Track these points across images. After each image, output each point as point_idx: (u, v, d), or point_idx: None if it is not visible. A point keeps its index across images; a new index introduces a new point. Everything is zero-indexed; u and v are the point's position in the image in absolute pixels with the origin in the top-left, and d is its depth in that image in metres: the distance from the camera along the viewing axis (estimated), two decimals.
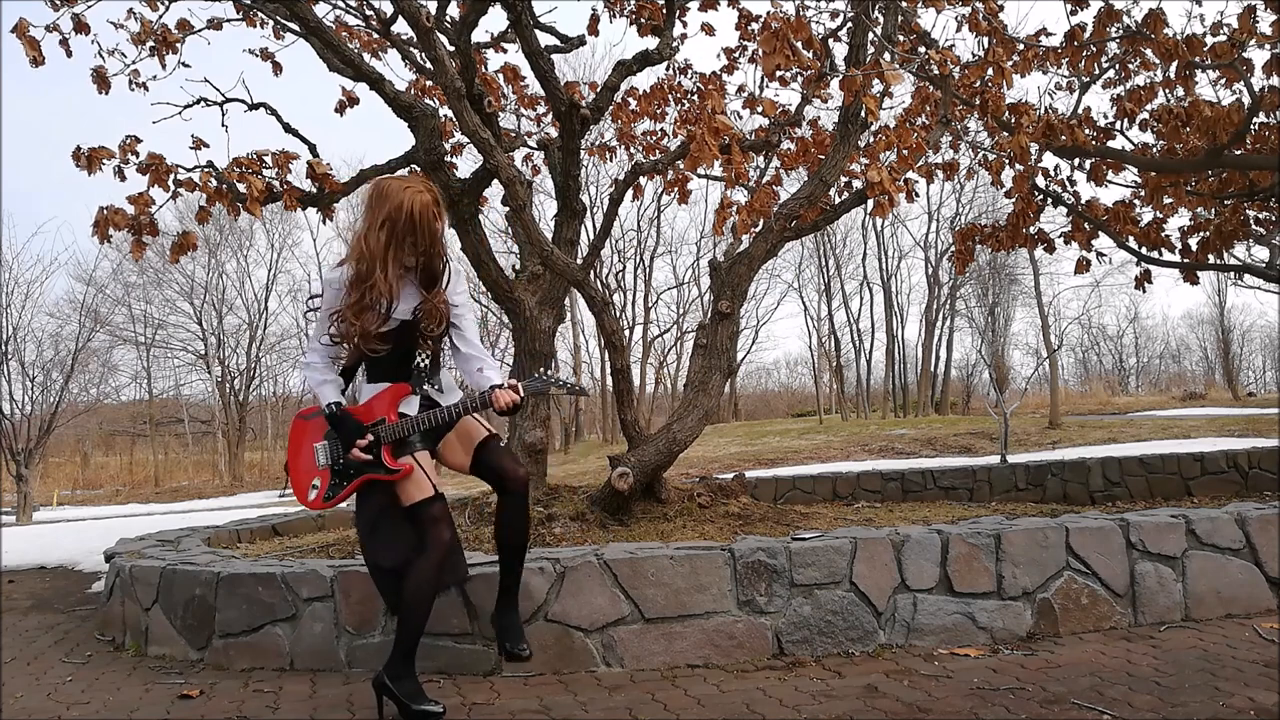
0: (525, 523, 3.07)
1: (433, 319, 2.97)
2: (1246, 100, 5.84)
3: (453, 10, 6.05)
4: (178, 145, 5.79)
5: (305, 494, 3.01)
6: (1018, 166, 6.44)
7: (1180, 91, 6.20)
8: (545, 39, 6.07)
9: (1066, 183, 7.28)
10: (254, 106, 6.13)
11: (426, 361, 3.04)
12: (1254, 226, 7.36)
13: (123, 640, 4.24)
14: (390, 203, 2.84)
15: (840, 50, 6.34)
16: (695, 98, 7.27)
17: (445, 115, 6.33)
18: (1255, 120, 6.06)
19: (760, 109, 6.70)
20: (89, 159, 5.40)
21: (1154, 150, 6.94)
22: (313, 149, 6.06)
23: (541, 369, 3.03)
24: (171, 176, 5.51)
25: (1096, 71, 6.80)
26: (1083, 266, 7.45)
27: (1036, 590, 3.62)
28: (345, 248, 3.04)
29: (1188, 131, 6.22)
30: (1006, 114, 6.11)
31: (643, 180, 7.12)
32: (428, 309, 2.95)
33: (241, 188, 5.52)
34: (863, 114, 5.23)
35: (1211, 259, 7.38)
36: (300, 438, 3.07)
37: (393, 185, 2.91)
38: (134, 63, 5.93)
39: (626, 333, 31.76)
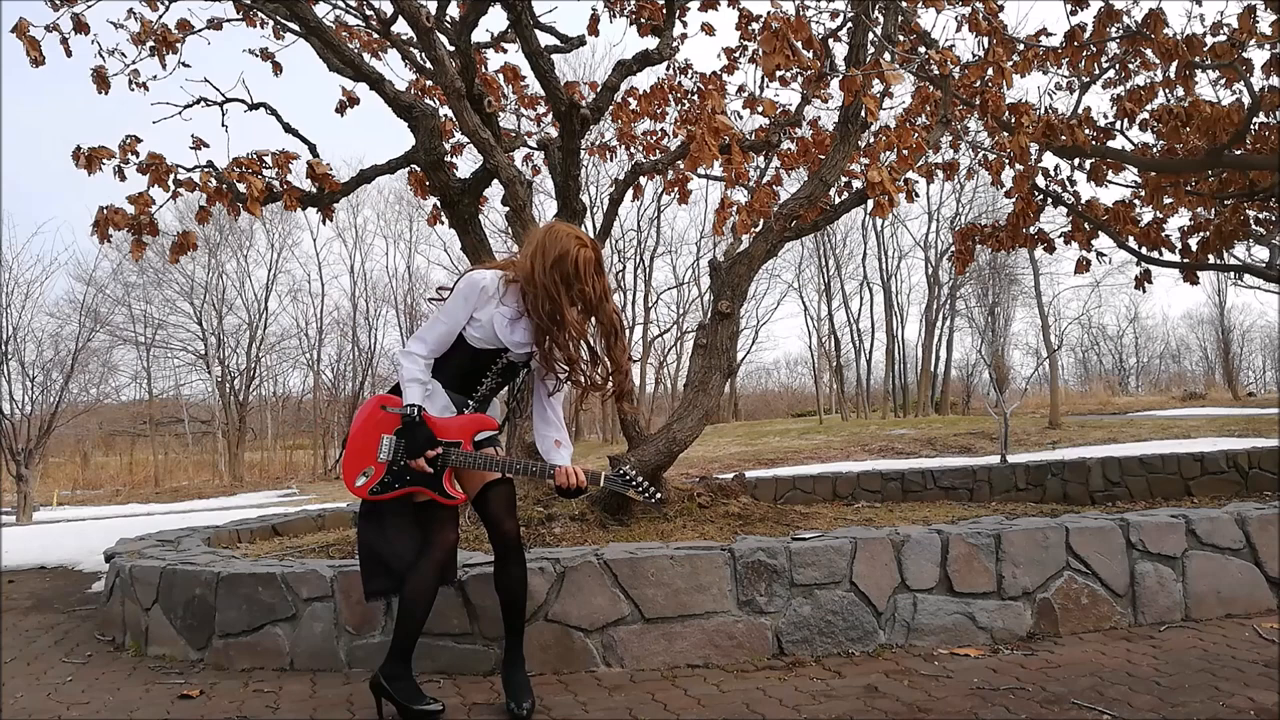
0: (513, 580, 3.00)
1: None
2: (1246, 100, 5.84)
3: (453, 10, 6.06)
4: (178, 145, 5.80)
5: (353, 479, 2.94)
6: (1018, 166, 6.44)
7: (1180, 91, 6.20)
8: (545, 39, 6.08)
9: (1066, 183, 7.29)
10: (254, 106, 6.14)
11: (505, 399, 3.03)
12: (1254, 226, 7.36)
13: (123, 640, 4.24)
14: (560, 246, 2.88)
15: (840, 50, 6.35)
16: (695, 98, 7.28)
17: (445, 115, 6.33)
18: (1255, 120, 6.06)
19: (760, 109, 6.71)
20: (89, 159, 5.41)
21: (1154, 150, 6.94)
22: (313, 149, 6.06)
23: (626, 469, 2.99)
24: (171, 176, 5.52)
25: (1096, 71, 6.80)
26: (1083, 266, 7.46)
27: (1036, 590, 3.62)
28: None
29: (1188, 131, 6.22)
30: (1006, 114, 6.11)
31: (643, 180, 7.13)
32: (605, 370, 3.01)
33: (241, 188, 5.52)
34: (863, 114, 5.23)
35: (1211, 259, 7.39)
36: (371, 422, 2.97)
37: (564, 231, 2.96)
38: (134, 63, 5.95)
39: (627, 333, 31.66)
